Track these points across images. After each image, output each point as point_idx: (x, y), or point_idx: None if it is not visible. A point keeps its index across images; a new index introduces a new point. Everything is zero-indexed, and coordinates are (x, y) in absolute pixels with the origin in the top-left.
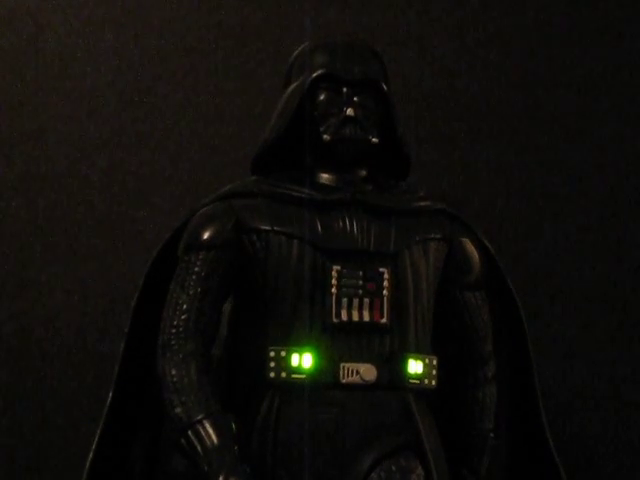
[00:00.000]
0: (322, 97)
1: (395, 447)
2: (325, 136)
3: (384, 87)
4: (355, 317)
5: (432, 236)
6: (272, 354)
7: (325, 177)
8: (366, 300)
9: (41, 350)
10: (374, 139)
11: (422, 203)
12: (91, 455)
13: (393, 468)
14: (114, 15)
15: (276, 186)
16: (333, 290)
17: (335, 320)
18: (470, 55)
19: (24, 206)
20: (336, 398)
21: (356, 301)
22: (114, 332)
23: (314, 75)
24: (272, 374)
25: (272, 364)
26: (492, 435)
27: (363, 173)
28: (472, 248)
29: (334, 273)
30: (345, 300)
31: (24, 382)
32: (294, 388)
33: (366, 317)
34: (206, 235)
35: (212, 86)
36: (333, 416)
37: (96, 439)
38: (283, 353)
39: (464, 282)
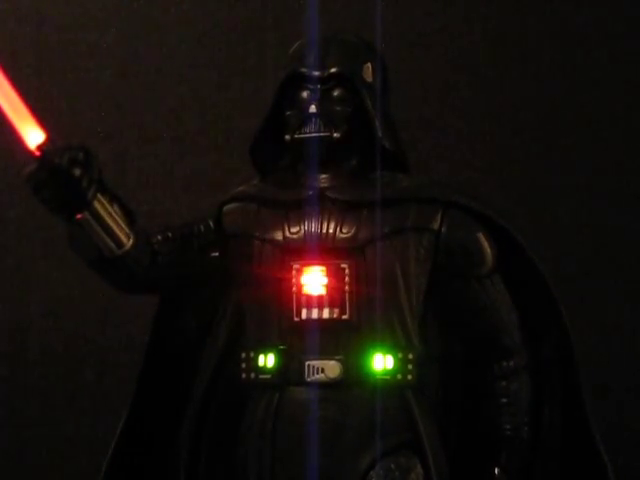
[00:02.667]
0: (293, 96)
1: (394, 445)
2: (287, 137)
3: (356, 81)
4: (315, 315)
5: (411, 226)
6: (243, 355)
7: (298, 175)
8: (326, 297)
9: (41, 343)
10: (336, 134)
11: (403, 193)
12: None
13: (392, 466)
14: (118, 9)
15: (258, 189)
16: (294, 289)
17: (296, 319)
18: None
19: (24, 200)
20: (302, 396)
21: (316, 299)
22: (114, 325)
23: (284, 76)
24: (244, 375)
25: (243, 365)
26: (526, 429)
27: (344, 167)
28: (474, 237)
29: (294, 272)
30: (304, 298)
31: (24, 375)
32: (262, 388)
33: (326, 314)
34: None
35: (216, 80)
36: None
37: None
38: (252, 354)
39: (469, 274)
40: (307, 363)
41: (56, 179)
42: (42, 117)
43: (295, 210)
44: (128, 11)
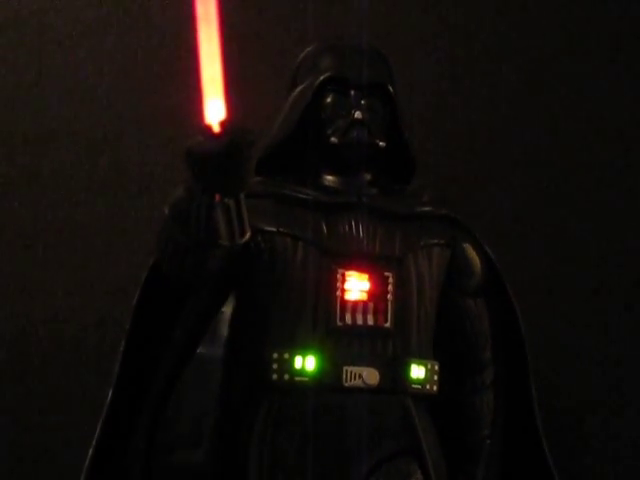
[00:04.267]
0: (329, 100)
1: (394, 451)
2: (332, 139)
3: (391, 91)
4: (359, 321)
5: (436, 241)
6: (275, 356)
7: (330, 179)
8: (370, 304)
9: (42, 350)
10: (381, 143)
11: (426, 208)
12: (90, 453)
13: (392, 472)
14: (116, 16)
15: (282, 187)
16: (338, 293)
17: (339, 323)
18: (477, 60)
19: (25, 206)
20: (337, 401)
21: (361, 305)
22: (114, 332)
23: (322, 77)
24: (275, 376)
25: (275, 366)
26: (488, 442)
27: (368, 176)
28: (473, 254)
29: (339, 276)
30: (350, 304)
31: (25, 382)
32: (296, 390)
33: (370, 321)
34: None
35: None
36: (333, 419)
37: (94, 441)
38: (286, 355)
39: (466, 288)
40: (345, 368)
41: (230, 158)
42: (41, 123)
43: (335, 214)
44: (127, 17)
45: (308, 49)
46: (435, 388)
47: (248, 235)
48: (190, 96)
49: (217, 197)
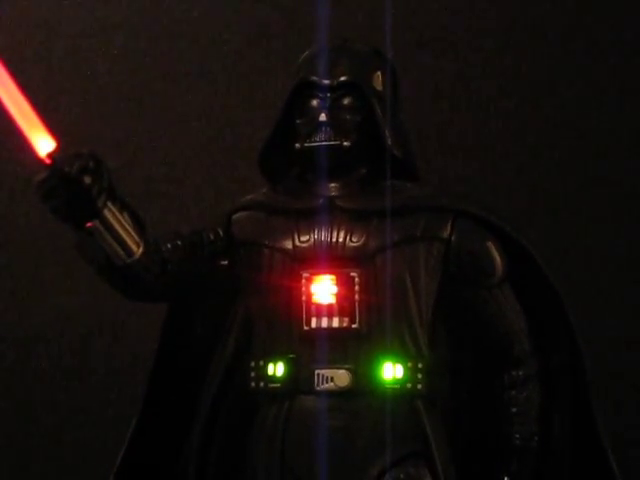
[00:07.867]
0: (303, 104)
1: (403, 455)
2: (297, 145)
3: (365, 90)
4: (324, 324)
5: (421, 235)
6: (253, 364)
7: (315, 184)
8: (336, 306)
9: (48, 353)
10: (346, 143)
11: (411, 202)
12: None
13: (401, 476)
14: (125, 17)
15: (267, 197)
16: (303, 298)
17: (306, 328)
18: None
19: (33, 208)
20: (310, 405)
21: (325, 307)
22: (121, 335)
23: (293, 85)
24: (253, 384)
25: (253, 374)
26: (536, 439)
27: (354, 176)
28: (484, 246)
29: (304, 281)
30: (314, 307)
31: (31, 385)
32: (272, 396)
33: (336, 323)
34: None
35: (224, 88)
36: (308, 423)
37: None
38: (262, 363)
39: (479, 283)
40: (317, 372)
41: (66, 187)
42: (51, 125)
43: (305, 219)
44: (137, 18)
45: (305, 52)
46: (420, 387)
47: (140, 250)
48: (199, 97)
49: (85, 223)
